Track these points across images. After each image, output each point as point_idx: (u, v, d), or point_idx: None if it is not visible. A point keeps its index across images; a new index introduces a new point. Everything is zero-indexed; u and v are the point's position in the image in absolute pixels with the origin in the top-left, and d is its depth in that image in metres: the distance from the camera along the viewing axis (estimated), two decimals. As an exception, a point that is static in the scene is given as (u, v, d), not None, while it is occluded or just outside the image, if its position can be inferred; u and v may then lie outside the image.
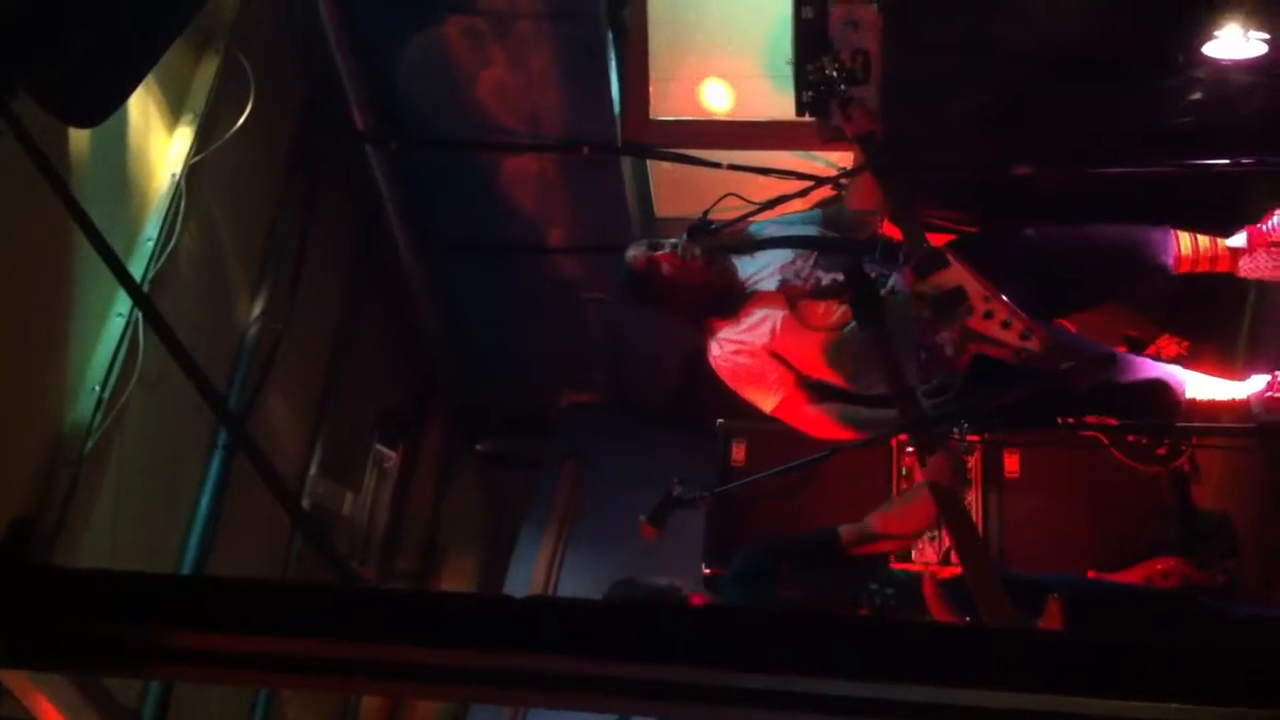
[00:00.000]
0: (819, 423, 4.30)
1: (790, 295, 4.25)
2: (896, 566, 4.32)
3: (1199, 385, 4.35)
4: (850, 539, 3.79)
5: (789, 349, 4.25)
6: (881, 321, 3.68)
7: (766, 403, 4.32)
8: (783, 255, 4.37)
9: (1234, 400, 4.34)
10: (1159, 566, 4.29)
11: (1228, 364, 4.53)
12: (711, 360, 4.37)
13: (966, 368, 3.89)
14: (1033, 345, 3.80)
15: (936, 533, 4.44)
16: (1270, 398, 4.26)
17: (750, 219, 4.38)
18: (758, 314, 4.30)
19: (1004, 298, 3.82)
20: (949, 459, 3.52)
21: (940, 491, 3.49)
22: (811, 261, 4.32)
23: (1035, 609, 3.30)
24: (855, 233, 4.48)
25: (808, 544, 3.86)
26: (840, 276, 4.25)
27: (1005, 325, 3.80)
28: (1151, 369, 4.30)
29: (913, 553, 4.48)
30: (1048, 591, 3.40)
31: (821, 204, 4.63)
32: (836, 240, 4.43)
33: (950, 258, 3.86)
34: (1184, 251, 4.33)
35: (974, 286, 3.83)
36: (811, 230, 4.48)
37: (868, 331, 3.66)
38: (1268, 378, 4.32)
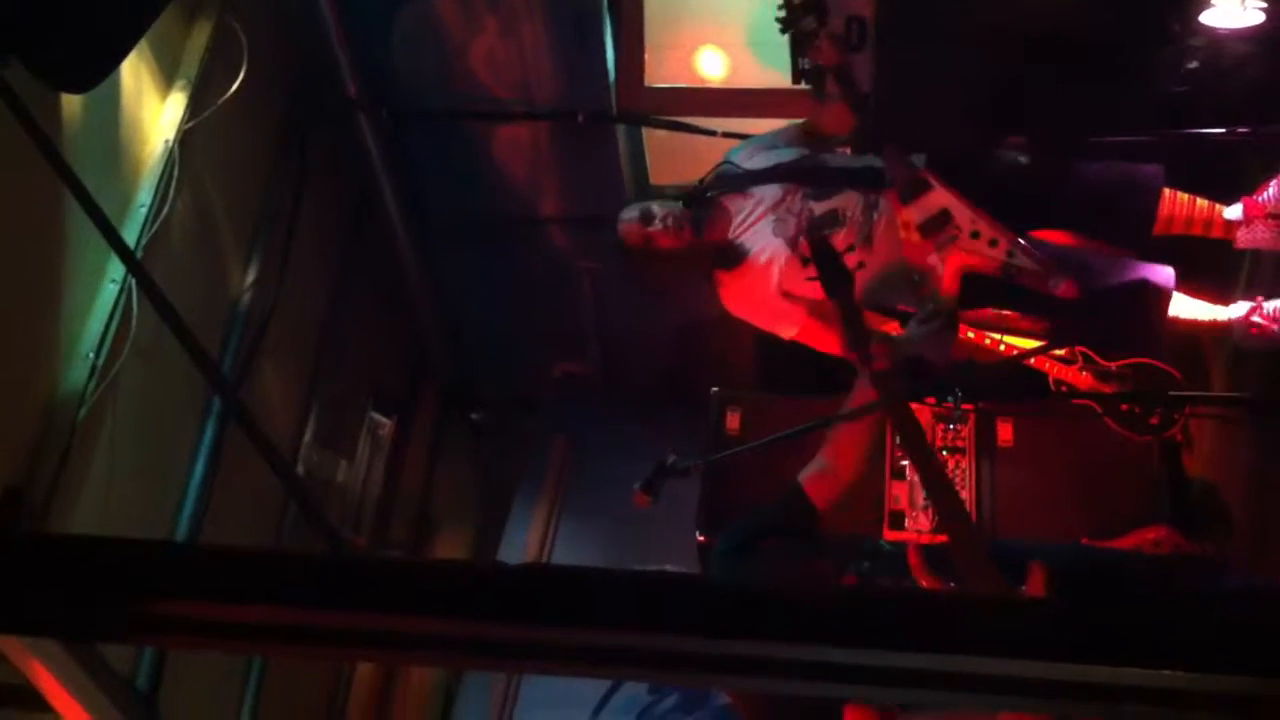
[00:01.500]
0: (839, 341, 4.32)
1: (786, 236, 4.25)
2: (887, 537, 4.34)
3: (1181, 305, 4.34)
4: (814, 485, 3.79)
5: (797, 286, 4.25)
6: (850, 290, 3.69)
7: (787, 331, 4.33)
8: (770, 192, 4.34)
9: (1214, 321, 4.33)
10: (1150, 535, 4.32)
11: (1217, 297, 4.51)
12: (725, 304, 4.37)
13: (958, 290, 3.92)
14: (1020, 261, 3.84)
15: (928, 502, 4.45)
16: (1252, 323, 4.26)
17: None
18: (762, 257, 4.29)
19: (989, 217, 3.86)
20: (888, 344, 3.55)
21: (882, 380, 3.51)
22: (800, 195, 4.30)
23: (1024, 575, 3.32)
24: (827, 147, 4.48)
25: (781, 513, 3.86)
26: (832, 205, 4.23)
27: (993, 243, 3.85)
28: (1137, 269, 4.26)
29: (906, 520, 4.49)
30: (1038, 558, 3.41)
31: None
32: (822, 168, 4.40)
33: (933, 181, 3.90)
34: (1175, 209, 4.31)
35: (959, 208, 3.88)
36: (790, 153, 4.44)
37: (836, 300, 3.67)
38: (1249, 304, 4.31)
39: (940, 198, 3.90)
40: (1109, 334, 4.35)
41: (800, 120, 4.52)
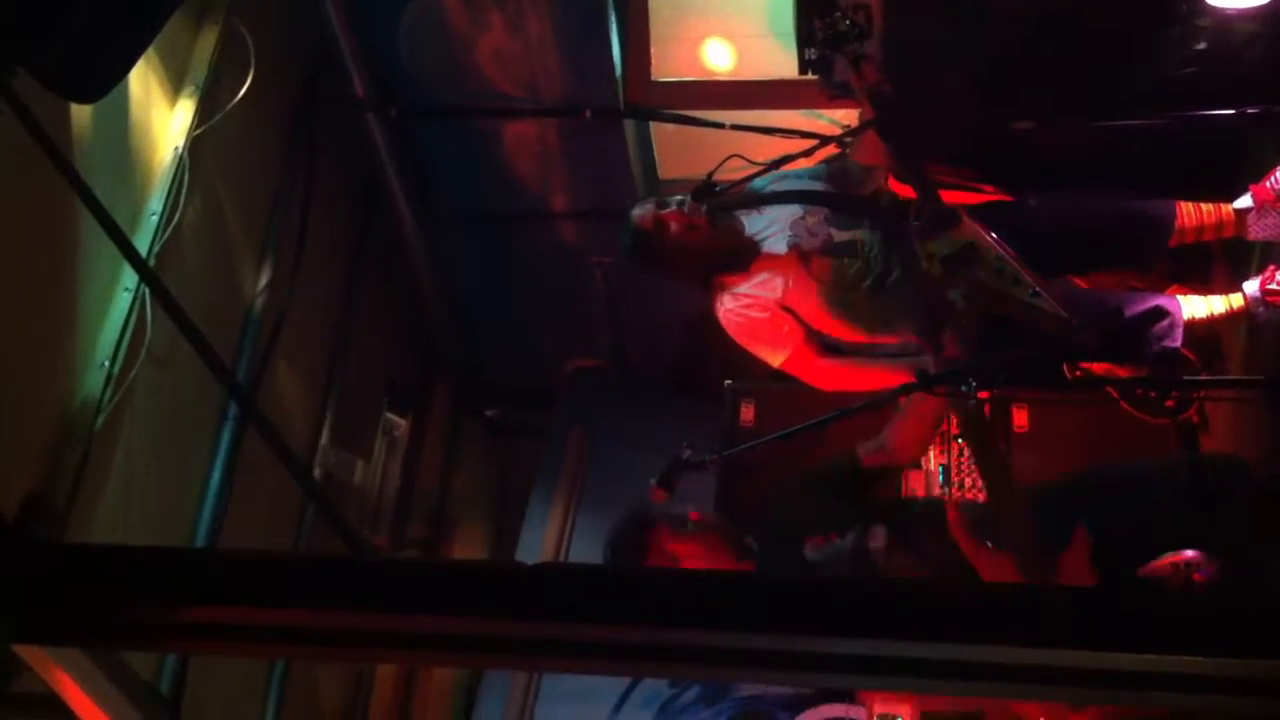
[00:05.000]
0: (829, 375, 4.32)
1: (800, 253, 4.25)
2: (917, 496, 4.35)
3: (1194, 304, 4.34)
4: (867, 454, 3.86)
5: (800, 305, 4.25)
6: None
7: (775, 357, 4.32)
8: (790, 210, 4.35)
9: (1231, 310, 4.32)
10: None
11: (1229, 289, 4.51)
12: (721, 315, 4.36)
13: (976, 325, 3.89)
14: (1041, 304, 3.81)
15: (945, 491, 4.46)
16: (1269, 291, 4.24)
17: (755, 178, 4.37)
18: (768, 270, 4.30)
19: (1015, 256, 3.83)
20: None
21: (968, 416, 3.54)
22: (822, 218, 4.31)
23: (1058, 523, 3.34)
24: (860, 187, 4.47)
25: (828, 471, 3.91)
26: (852, 236, 4.24)
27: (1016, 283, 3.81)
28: (1149, 299, 4.28)
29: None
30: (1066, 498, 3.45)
31: (826, 161, 4.61)
32: (843, 196, 4.41)
33: (961, 215, 3.87)
34: (1187, 222, 4.31)
35: (985, 244, 3.84)
36: (817, 185, 4.46)
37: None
38: (1261, 276, 4.29)
39: (967, 232, 3.87)
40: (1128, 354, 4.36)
41: (833, 155, 4.51)
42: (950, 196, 4.26)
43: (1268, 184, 4.21)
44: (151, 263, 3.98)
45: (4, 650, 1.92)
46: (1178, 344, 4.24)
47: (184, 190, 4.22)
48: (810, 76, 4.50)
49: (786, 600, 1.68)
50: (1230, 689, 1.60)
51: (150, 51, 3.84)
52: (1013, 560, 3.28)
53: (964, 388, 3.54)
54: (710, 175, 4.26)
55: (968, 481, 4.59)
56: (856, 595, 1.70)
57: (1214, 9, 3.94)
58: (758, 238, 4.34)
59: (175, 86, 4.34)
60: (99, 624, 1.87)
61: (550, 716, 5.19)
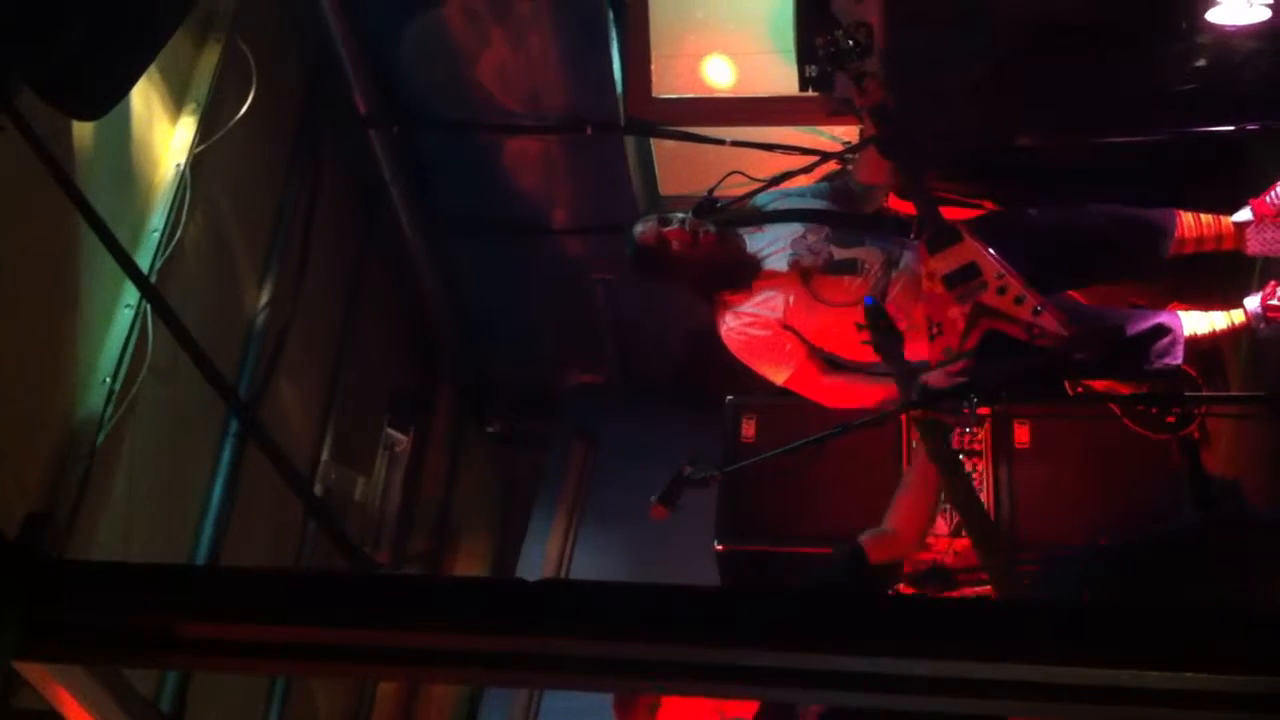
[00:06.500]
0: (833, 393, 4.32)
1: (801, 271, 4.25)
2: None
3: (1195, 321, 4.34)
4: (874, 547, 3.80)
5: (802, 323, 4.26)
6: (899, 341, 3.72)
7: (779, 375, 4.33)
8: (792, 229, 4.36)
9: (1233, 326, 4.32)
10: None
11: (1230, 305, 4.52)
12: (723, 334, 4.37)
13: (977, 344, 3.89)
14: (1044, 321, 3.81)
15: (946, 505, 4.45)
16: (1270, 307, 4.24)
17: (756, 195, 4.38)
18: (769, 289, 4.30)
19: (1016, 274, 3.83)
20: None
21: (941, 457, 3.53)
22: (823, 236, 4.31)
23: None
24: (861, 205, 4.47)
25: (837, 574, 3.87)
26: (853, 253, 4.25)
27: (1018, 301, 3.81)
28: (1150, 316, 4.29)
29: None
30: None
31: (828, 177, 4.62)
32: (844, 214, 4.42)
33: (963, 233, 3.88)
34: (1187, 232, 4.32)
35: (987, 262, 3.84)
36: (819, 203, 4.47)
37: (883, 354, 3.70)
38: (1262, 292, 4.29)
39: (969, 250, 3.87)
40: (1130, 371, 4.37)
41: (834, 171, 4.52)
42: (951, 213, 4.28)
43: (1267, 199, 4.22)
44: (153, 279, 3.99)
45: (4, 666, 1.92)
46: (1179, 361, 4.24)
47: (185, 207, 4.22)
48: (811, 93, 4.50)
49: (795, 615, 1.68)
50: (1230, 705, 1.60)
51: (152, 69, 3.86)
52: None
53: (965, 404, 3.54)
54: (711, 191, 4.27)
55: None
56: (864, 612, 1.69)
57: (1213, 26, 3.95)
58: (759, 255, 4.35)
59: (177, 103, 4.34)
60: (100, 640, 1.87)
61: (550, 733, 5.20)
